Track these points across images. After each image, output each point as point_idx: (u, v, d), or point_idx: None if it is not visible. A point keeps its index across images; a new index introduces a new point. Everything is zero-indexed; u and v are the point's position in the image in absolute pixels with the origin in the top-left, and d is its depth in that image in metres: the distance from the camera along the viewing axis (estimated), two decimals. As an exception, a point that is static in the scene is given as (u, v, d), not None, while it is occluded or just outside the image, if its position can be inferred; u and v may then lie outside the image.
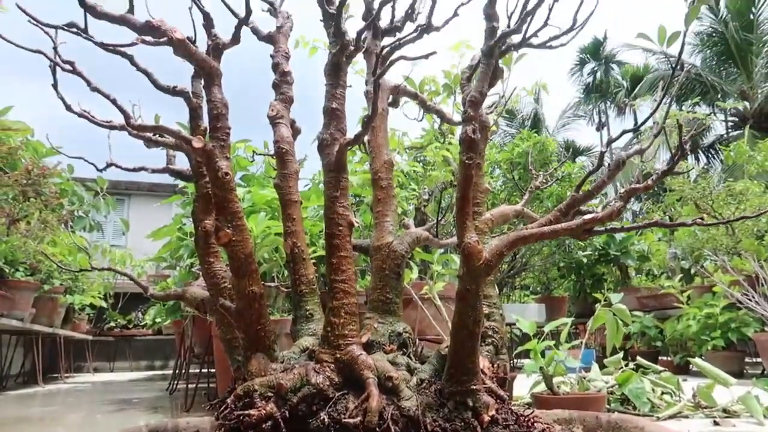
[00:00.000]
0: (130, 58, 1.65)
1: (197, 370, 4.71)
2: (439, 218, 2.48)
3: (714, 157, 21.56)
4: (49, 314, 7.01)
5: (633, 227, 1.47)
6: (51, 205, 6.64)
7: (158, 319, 6.34)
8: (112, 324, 10.97)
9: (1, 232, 5.68)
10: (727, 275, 5.54)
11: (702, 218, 1.19)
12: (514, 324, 4.22)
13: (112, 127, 1.64)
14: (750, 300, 4.58)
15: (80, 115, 1.67)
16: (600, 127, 25.76)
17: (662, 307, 7.30)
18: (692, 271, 7.81)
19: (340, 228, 1.50)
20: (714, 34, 20.54)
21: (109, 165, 1.88)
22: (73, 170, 8.09)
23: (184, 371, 5.05)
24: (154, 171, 1.89)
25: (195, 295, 1.73)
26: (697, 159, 21.54)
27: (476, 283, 1.23)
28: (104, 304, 9.04)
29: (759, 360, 6.26)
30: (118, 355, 11.24)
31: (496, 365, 1.63)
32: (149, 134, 1.69)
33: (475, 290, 1.23)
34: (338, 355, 1.32)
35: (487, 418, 1.19)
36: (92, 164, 1.93)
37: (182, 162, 2.00)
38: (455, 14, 2.05)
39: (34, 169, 6.41)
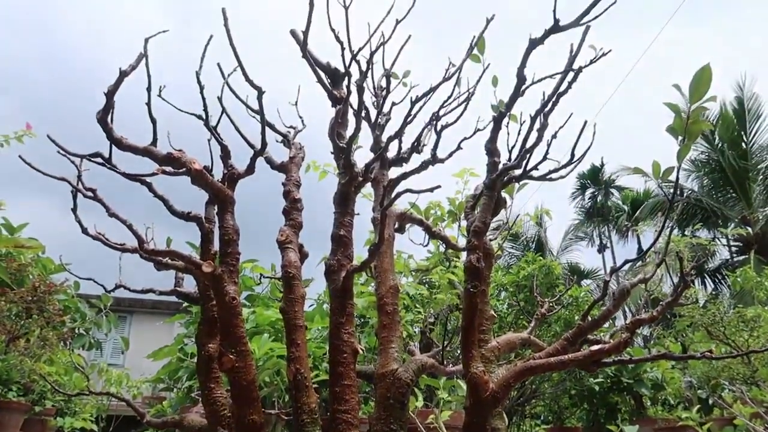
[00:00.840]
0: (149, 186, 1.73)
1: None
2: (445, 344, 2.44)
3: (721, 282, 21.42)
4: (36, 438, 6.67)
5: (642, 359, 1.45)
6: (53, 323, 6.58)
7: (150, 446, 6.02)
8: (102, 450, 10.39)
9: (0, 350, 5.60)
10: (747, 407, 5.30)
11: (711, 351, 1.18)
12: (525, 458, 3.99)
13: (125, 250, 1.69)
14: (774, 435, 4.34)
15: (95, 238, 1.72)
16: (602, 249, 25.91)
17: (682, 441, 6.90)
18: (710, 401, 7.47)
19: (345, 355, 1.48)
20: (710, 162, 21.28)
21: (118, 286, 1.91)
22: (79, 287, 8.10)
23: (172, 505, 4.71)
24: (162, 293, 1.91)
25: (193, 422, 1.68)
26: (704, 284, 21.40)
27: (484, 416, 1.19)
28: (95, 428, 8.63)
29: (791, 502, 5.79)
30: (104, 485, 10.51)
31: (506, 507, 1.54)
32: (161, 258, 1.73)
33: (482, 423, 1.19)
34: (339, 494, 1.25)
35: None
36: (101, 285, 1.96)
37: (190, 284, 2.03)
38: (459, 147, 2.17)
39: (41, 286, 6.44)
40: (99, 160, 1.67)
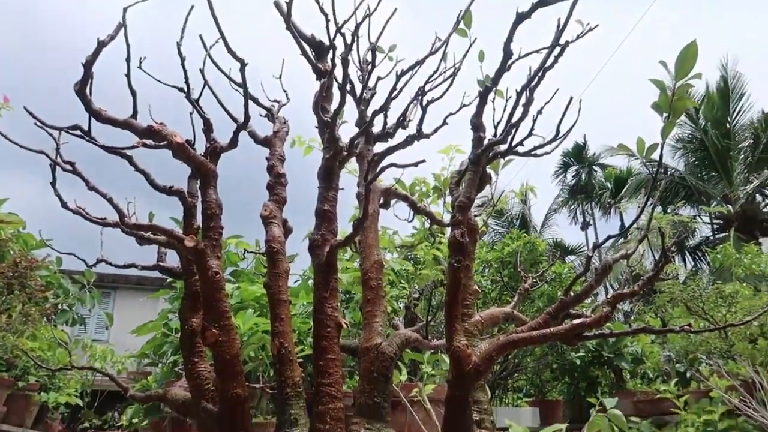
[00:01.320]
0: (129, 159, 1.71)
1: (173, 478, 4.44)
2: (429, 318, 2.46)
3: (701, 259, 21.79)
4: (20, 413, 6.67)
5: (623, 333, 1.47)
6: (35, 298, 6.53)
7: (135, 420, 6.05)
8: (87, 425, 10.43)
9: (-19, 326, 5.55)
10: (723, 380, 5.44)
11: (690, 324, 1.20)
12: (507, 430, 4.06)
13: (107, 225, 1.66)
14: (748, 406, 4.46)
15: (75, 212, 1.70)
16: (585, 226, 26.18)
17: (659, 413, 7.07)
18: (688, 374, 7.65)
19: (329, 329, 1.48)
20: (694, 141, 21.48)
21: (99, 261, 1.89)
22: (61, 263, 8.03)
23: (158, 478, 4.75)
24: (144, 268, 1.90)
25: (177, 396, 1.68)
26: (684, 261, 21.76)
27: (466, 389, 1.20)
28: (80, 403, 8.65)
29: (762, 471, 5.99)
30: (89, 460, 10.58)
31: (487, 477, 1.56)
32: (143, 232, 1.71)
33: (464, 396, 1.20)
34: (323, 466, 1.26)
35: None
36: (82, 260, 1.94)
37: (173, 259, 2.01)
38: (444, 123, 2.15)
39: (22, 261, 6.37)
40: (78, 133, 1.63)
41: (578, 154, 26.94)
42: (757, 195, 20.28)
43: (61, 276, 7.97)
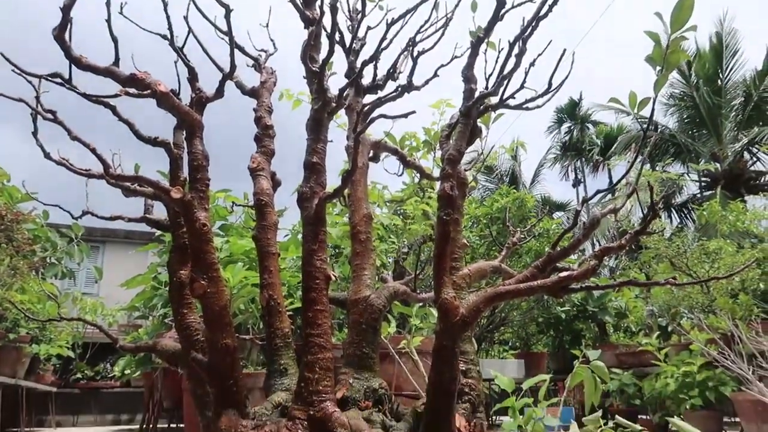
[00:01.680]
0: (113, 109, 1.66)
1: (166, 426, 4.54)
2: (417, 272, 2.48)
3: (687, 217, 22.04)
4: (12, 364, 6.74)
5: (608, 286, 1.49)
6: (23, 252, 6.51)
7: (127, 371, 6.13)
8: (79, 375, 10.58)
9: (-31, 279, 5.53)
10: (704, 333, 5.58)
11: (675, 278, 1.21)
12: (492, 380, 4.17)
13: (91, 176, 1.64)
14: (726, 359, 4.59)
15: (59, 163, 1.66)
16: (576, 183, 26.31)
17: (640, 365, 7.28)
18: (669, 328, 7.84)
19: (317, 281, 1.49)
20: (685, 98, 21.40)
21: (84, 213, 1.86)
22: (48, 216, 7.97)
23: (151, 426, 4.86)
24: (130, 220, 1.88)
25: (167, 347, 1.69)
26: (670, 218, 22.00)
27: (453, 339, 1.22)
28: (72, 354, 8.75)
29: (737, 420, 6.22)
30: (83, 409, 10.77)
31: (473, 424, 1.60)
32: (128, 184, 1.69)
33: (451, 346, 1.22)
34: (311, 412, 1.29)
35: (462, 480, 1.16)
36: (68, 212, 1.92)
37: (160, 211, 1.99)
38: (435, 75, 2.12)
39: (8, 214, 6.31)
40: (59, 80, 1.59)
41: (572, 111, 26.82)
42: (745, 153, 20.38)
43: (49, 230, 7.94)
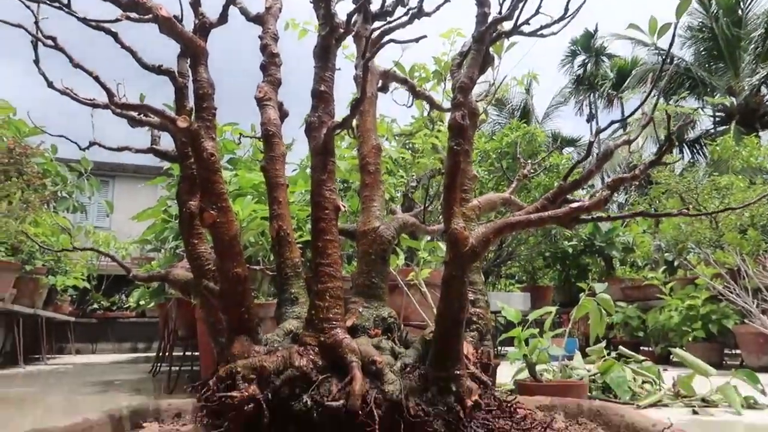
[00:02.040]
0: (115, 35, 1.61)
1: (181, 353, 4.70)
2: (426, 204, 2.47)
3: (699, 153, 21.75)
4: (30, 295, 6.94)
5: (620, 216, 1.47)
6: (33, 185, 6.55)
7: (142, 302, 6.30)
8: (95, 306, 10.88)
9: (-18, 212, 5.61)
10: (710, 268, 5.61)
11: (687, 209, 1.20)
12: (499, 312, 4.25)
13: (95, 106, 1.61)
14: (731, 293, 4.64)
15: (62, 93, 1.63)
16: (590, 118, 25.87)
17: (645, 298, 7.38)
18: (676, 263, 7.90)
19: (327, 212, 1.48)
20: (704, 29, 20.65)
21: (92, 144, 1.85)
22: (57, 150, 7.98)
23: (167, 354, 5.03)
24: (138, 151, 1.86)
25: (178, 276, 1.72)
26: (682, 153, 21.72)
27: (462, 269, 1.22)
28: (87, 285, 8.97)
29: (738, 351, 6.36)
30: (100, 337, 11.16)
31: (479, 351, 1.64)
32: (133, 113, 1.66)
33: (461, 276, 1.23)
34: (322, 339, 1.31)
35: (470, 403, 1.19)
36: (75, 143, 1.90)
37: (167, 143, 1.97)
38: (446, 0, 2.03)
39: (16, 148, 6.32)
40: (57, 4, 1.53)
41: (586, 43, 26.02)
42: (763, 87, 19.83)
43: (58, 164, 7.96)
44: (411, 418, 1.15)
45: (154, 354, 6.52)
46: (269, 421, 1.17)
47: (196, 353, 4.49)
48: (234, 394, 1.17)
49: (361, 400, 1.15)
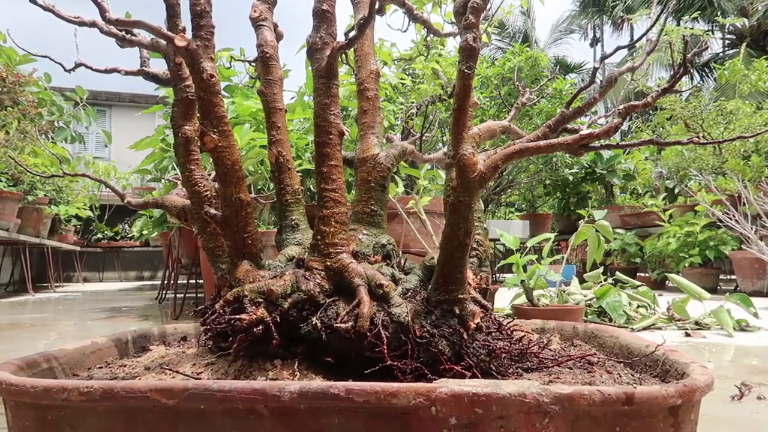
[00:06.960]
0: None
1: (185, 281, 4.78)
2: (423, 131, 2.43)
3: (708, 76, 21.28)
4: (34, 225, 7.00)
5: (629, 144, 1.44)
6: (29, 115, 6.46)
7: (145, 231, 6.35)
8: (100, 235, 11.00)
9: (-21, 142, 5.55)
10: (711, 194, 5.62)
11: (698, 137, 1.17)
12: (498, 240, 4.28)
13: (82, 24, 1.53)
14: (730, 219, 4.66)
15: (45, 9, 1.56)
16: (594, 42, 25.12)
17: (644, 225, 7.44)
18: (676, 190, 7.90)
19: (331, 136, 1.45)
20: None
21: (78, 65, 1.77)
22: (50, 79, 7.81)
23: (172, 281, 5.12)
24: (127, 73, 1.80)
25: (175, 203, 1.70)
26: (691, 77, 21.26)
27: (470, 195, 1.21)
28: (91, 215, 9.03)
29: (733, 277, 6.47)
30: (107, 266, 11.35)
31: (479, 277, 1.65)
32: (123, 33, 1.60)
33: (468, 202, 1.22)
34: (328, 263, 1.32)
35: (473, 326, 1.21)
36: (59, 64, 1.83)
37: (157, 65, 1.90)
38: None
39: (9, 76, 6.18)
40: None
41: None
42: (777, 8, 19.12)
43: (53, 93, 7.83)
44: (417, 339, 1.18)
45: (159, 282, 6.65)
46: (277, 343, 1.19)
47: (200, 281, 4.57)
48: (243, 317, 1.19)
49: (369, 322, 1.17)
